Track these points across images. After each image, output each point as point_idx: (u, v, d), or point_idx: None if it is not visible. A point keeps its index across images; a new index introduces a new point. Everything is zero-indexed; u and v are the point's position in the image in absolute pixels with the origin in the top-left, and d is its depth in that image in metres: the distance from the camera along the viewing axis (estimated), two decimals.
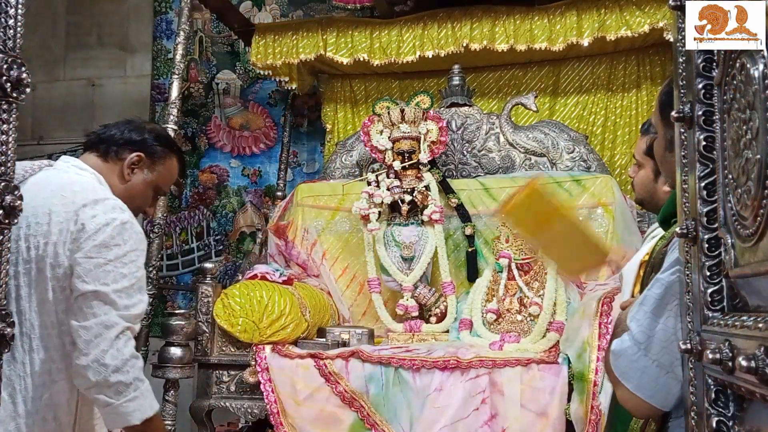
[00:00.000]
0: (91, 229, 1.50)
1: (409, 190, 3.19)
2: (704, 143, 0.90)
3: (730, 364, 0.78)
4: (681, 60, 0.97)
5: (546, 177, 3.32)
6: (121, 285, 1.50)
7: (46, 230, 1.50)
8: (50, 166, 1.66)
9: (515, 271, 2.92)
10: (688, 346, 0.93)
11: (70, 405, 1.55)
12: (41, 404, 1.50)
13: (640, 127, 2.05)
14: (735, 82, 0.84)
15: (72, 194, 1.54)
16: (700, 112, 0.91)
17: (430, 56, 3.62)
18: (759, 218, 0.75)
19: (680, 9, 0.94)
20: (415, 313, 3.12)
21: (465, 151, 3.58)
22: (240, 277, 3.41)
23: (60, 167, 1.65)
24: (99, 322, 1.46)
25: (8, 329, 1.10)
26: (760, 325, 0.74)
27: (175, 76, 3.40)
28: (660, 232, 1.66)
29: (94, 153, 1.70)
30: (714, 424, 0.85)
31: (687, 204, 0.97)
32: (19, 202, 1.11)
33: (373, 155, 3.39)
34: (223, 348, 2.88)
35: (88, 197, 1.54)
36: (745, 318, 0.79)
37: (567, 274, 2.29)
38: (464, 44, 3.55)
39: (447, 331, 3.09)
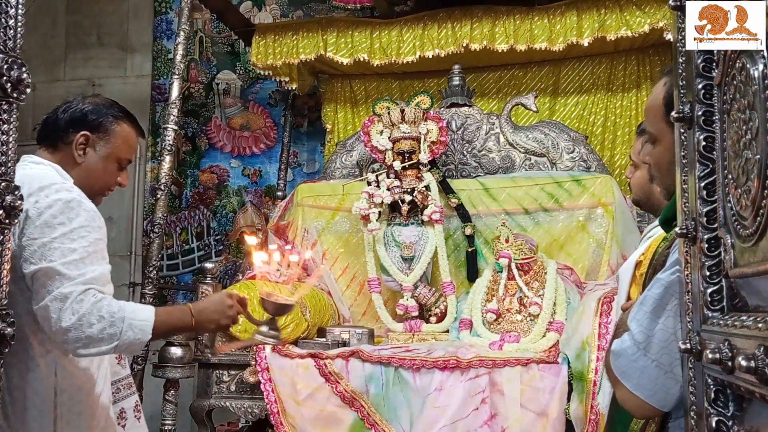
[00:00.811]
0: (34, 214, 1.47)
1: (409, 190, 3.19)
2: (704, 143, 0.91)
3: (729, 363, 0.78)
4: (681, 60, 0.97)
5: (546, 177, 3.32)
6: (69, 258, 1.45)
7: None
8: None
9: (515, 271, 2.92)
10: (688, 345, 0.93)
11: (48, 392, 1.53)
12: (20, 393, 1.49)
13: (636, 127, 2.05)
14: (735, 82, 0.84)
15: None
16: (699, 112, 0.91)
17: (430, 56, 3.62)
18: (759, 218, 0.75)
19: (680, 9, 0.94)
20: (415, 313, 3.12)
21: (465, 151, 3.58)
22: (240, 277, 3.41)
23: (18, 165, 1.63)
24: (54, 297, 1.43)
25: (8, 329, 1.11)
26: (760, 324, 0.74)
27: (176, 76, 3.41)
28: (657, 231, 1.67)
29: (44, 147, 1.66)
30: (713, 424, 0.85)
31: (687, 204, 0.97)
32: (19, 202, 1.11)
33: (373, 155, 3.39)
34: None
35: (33, 186, 1.50)
36: (744, 318, 0.79)
37: None
38: (464, 44, 3.55)
39: (447, 331, 3.09)
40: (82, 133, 1.65)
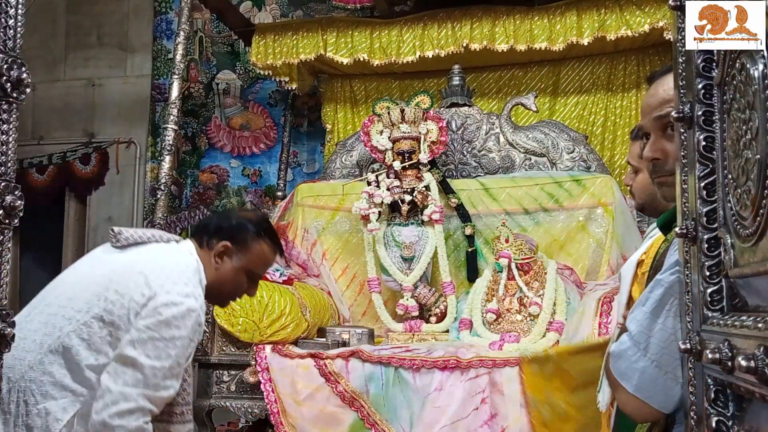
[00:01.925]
0: (161, 303, 1.55)
1: (409, 190, 3.20)
2: (704, 143, 0.90)
3: (729, 363, 0.78)
4: (681, 60, 0.97)
5: (546, 177, 3.32)
6: (160, 363, 1.53)
7: (127, 292, 1.56)
8: (176, 242, 1.74)
9: (515, 271, 2.92)
10: (688, 346, 0.93)
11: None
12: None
13: (630, 133, 2.02)
14: (735, 82, 0.84)
15: (164, 269, 1.61)
16: (699, 112, 0.91)
17: (430, 56, 3.62)
18: (759, 218, 0.75)
19: (680, 9, 0.94)
20: (415, 313, 3.12)
21: (465, 151, 3.58)
22: None
23: (177, 247, 1.72)
24: (121, 391, 1.50)
25: (8, 329, 1.10)
26: (760, 324, 0.74)
27: (175, 76, 3.41)
28: (659, 231, 1.66)
29: (195, 240, 1.77)
30: (713, 424, 0.85)
31: (687, 204, 0.97)
32: (19, 202, 1.11)
33: (373, 155, 3.39)
34: (224, 348, 2.88)
35: (178, 277, 1.60)
36: (744, 318, 0.79)
37: None
38: (464, 44, 3.55)
39: (447, 331, 3.09)
40: (224, 243, 1.74)
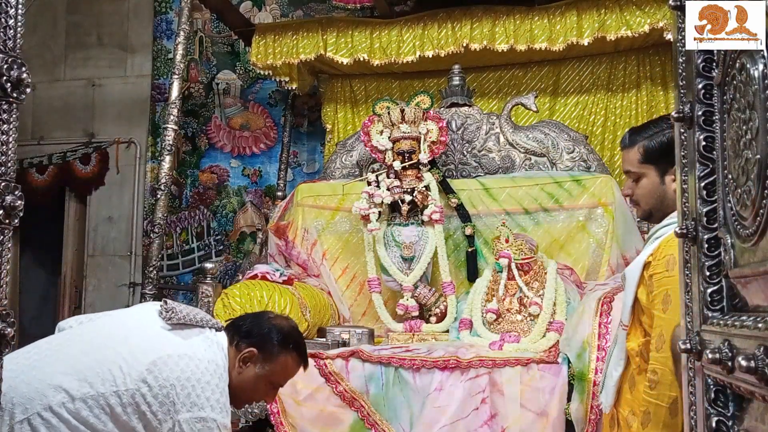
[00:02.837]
0: (188, 403, 1.58)
1: (409, 190, 3.19)
2: (704, 143, 0.90)
3: (729, 364, 0.78)
4: (681, 60, 0.97)
5: (546, 177, 3.32)
6: None
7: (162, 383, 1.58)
8: (215, 330, 1.74)
9: (515, 271, 2.92)
10: (688, 346, 0.93)
11: None
12: None
13: (619, 142, 1.93)
14: (735, 82, 0.84)
15: (194, 369, 1.61)
16: (699, 112, 0.91)
17: (430, 56, 3.62)
18: (759, 218, 0.75)
19: (680, 9, 0.94)
20: (415, 313, 3.12)
21: (465, 151, 3.58)
22: (240, 277, 3.41)
23: (211, 338, 1.72)
24: None
25: (8, 329, 1.10)
26: (760, 324, 0.74)
27: (175, 76, 3.41)
28: (665, 231, 1.65)
29: (228, 336, 1.76)
30: (713, 424, 0.85)
31: (687, 204, 0.97)
32: (19, 202, 1.11)
33: (373, 155, 3.39)
34: None
35: (207, 376, 1.61)
36: (744, 318, 0.79)
37: None
38: (464, 44, 3.55)
39: (447, 331, 3.09)
40: (251, 349, 1.73)
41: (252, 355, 1.72)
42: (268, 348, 1.74)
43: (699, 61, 0.91)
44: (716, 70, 0.90)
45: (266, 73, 3.98)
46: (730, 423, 0.85)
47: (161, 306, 1.71)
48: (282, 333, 1.78)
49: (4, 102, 1.07)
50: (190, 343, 1.66)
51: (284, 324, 1.84)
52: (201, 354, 1.64)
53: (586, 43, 3.44)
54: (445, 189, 3.29)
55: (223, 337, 1.74)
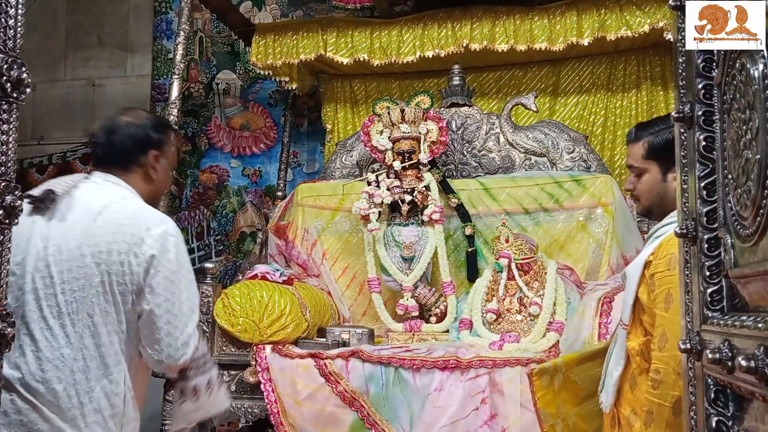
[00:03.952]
0: (169, 258, 1.63)
1: (409, 190, 3.19)
2: (704, 143, 0.90)
3: (729, 364, 0.78)
4: (681, 60, 0.97)
5: (546, 177, 3.32)
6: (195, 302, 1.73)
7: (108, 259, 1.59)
8: (87, 180, 1.72)
9: (515, 271, 2.92)
10: (688, 345, 0.93)
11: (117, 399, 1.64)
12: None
13: (626, 137, 1.94)
14: (735, 82, 0.84)
15: (131, 221, 1.63)
16: (700, 112, 0.91)
17: (430, 56, 3.62)
18: (759, 218, 0.75)
19: (680, 9, 0.94)
20: (415, 313, 3.12)
21: (465, 151, 3.58)
22: (240, 277, 3.41)
23: (99, 183, 1.71)
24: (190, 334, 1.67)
25: (8, 329, 1.10)
26: (760, 324, 0.74)
27: (175, 76, 3.40)
28: (666, 231, 1.65)
29: (115, 169, 1.75)
30: (714, 424, 0.85)
31: (687, 204, 0.97)
32: (19, 202, 1.11)
33: (373, 155, 3.39)
34: (224, 348, 2.88)
35: (152, 224, 1.63)
36: (744, 318, 0.79)
37: None
38: (464, 44, 3.55)
39: (447, 331, 3.09)
40: (152, 153, 1.77)
41: (156, 158, 1.77)
42: (159, 142, 1.79)
43: (699, 61, 0.91)
44: (716, 70, 0.90)
45: (266, 73, 3.98)
46: (730, 423, 0.85)
47: (33, 209, 1.63)
48: (156, 121, 1.87)
49: (4, 102, 1.08)
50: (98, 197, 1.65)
51: (145, 114, 1.91)
52: (118, 200, 1.65)
53: (586, 43, 3.44)
54: (445, 189, 3.29)
55: (104, 177, 1.73)
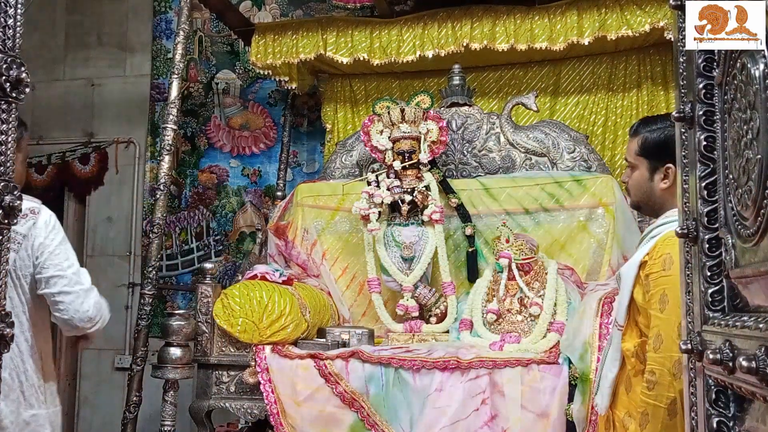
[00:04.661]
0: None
1: (409, 190, 3.19)
2: (705, 143, 0.90)
3: (730, 364, 0.77)
4: (682, 60, 0.97)
5: (546, 177, 3.32)
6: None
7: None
8: None
9: (515, 272, 2.92)
10: (689, 346, 0.92)
11: None
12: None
13: (628, 129, 1.98)
14: (735, 82, 0.83)
15: None
16: (700, 112, 0.91)
17: (430, 56, 3.61)
18: (760, 218, 0.75)
19: (680, 9, 0.94)
20: (416, 314, 3.12)
21: (465, 151, 3.57)
22: (240, 278, 3.41)
23: None
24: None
25: (8, 329, 1.10)
26: (761, 325, 0.73)
27: (175, 76, 3.40)
28: (661, 231, 1.65)
29: None
30: (714, 425, 0.85)
31: (687, 204, 0.96)
32: (18, 202, 1.11)
33: (373, 155, 3.38)
34: (223, 348, 2.87)
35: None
36: (745, 318, 0.79)
37: None
38: (464, 44, 3.54)
39: (447, 332, 3.09)
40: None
41: (19, 145, 1.87)
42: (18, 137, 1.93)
43: (700, 60, 0.91)
44: (717, 70, 0.90)
45: (266, 72, 3.98)
46: (731, 423, 0.84)
47: None
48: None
49: (3, 102, 1.07)
50: None
51: None
52: None
53: (586, 43, 3.43)
54: (446, 189, 3.29)
55: None
